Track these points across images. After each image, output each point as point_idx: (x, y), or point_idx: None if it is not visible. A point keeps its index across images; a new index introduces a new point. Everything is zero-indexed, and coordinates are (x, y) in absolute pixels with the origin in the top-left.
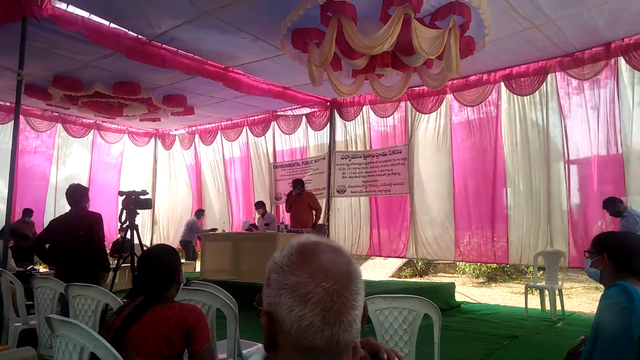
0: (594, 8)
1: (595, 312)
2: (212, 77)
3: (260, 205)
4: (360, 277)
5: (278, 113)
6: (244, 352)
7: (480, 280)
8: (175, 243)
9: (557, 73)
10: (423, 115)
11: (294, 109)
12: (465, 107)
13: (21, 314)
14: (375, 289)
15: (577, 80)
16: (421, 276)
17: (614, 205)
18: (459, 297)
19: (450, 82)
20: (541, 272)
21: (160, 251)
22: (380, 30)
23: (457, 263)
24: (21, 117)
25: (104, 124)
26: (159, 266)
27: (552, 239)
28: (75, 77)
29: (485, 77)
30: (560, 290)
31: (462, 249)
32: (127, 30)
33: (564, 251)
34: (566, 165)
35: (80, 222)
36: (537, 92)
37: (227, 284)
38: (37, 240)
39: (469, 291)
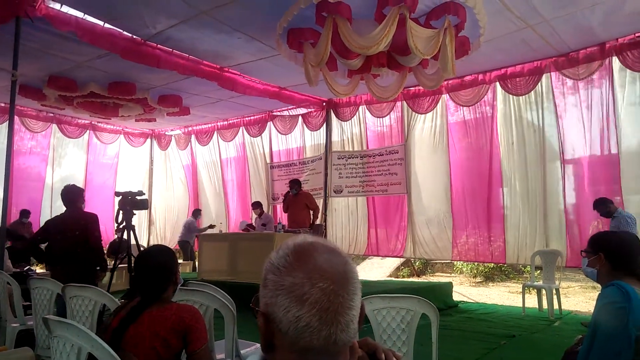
0: (588, 8)
1: (592, 311)
2: (207, 77)
3: (257, 205)
4: (357, 277)
5: (274, 113)
6: (242, 352)
7: (478, 279)
8: (172, 243)
9: (552, 73)
10: (419, 115)
11: (290, 109)
12: (461, 107)
13: (18, 315)
14: (373, 288)
15: (572, 80)
16: (419, 276)
17: (604, 206)
18: (456, 297)
19: (445, 82)
20: (538, 271)
21: (157, 252)
22: (376, 30)
23: (455, 263)
24: (16, 117)
25: (100, 124)
26: (155, 267)
27: (549, 239)
28: (70, 77)
29: (480, 77)
30: (557, 290)
31: (460, 249)
32: (121, 31)
33: (561, 250)
34: (562, 165)
35: (75, 222)
36: (532, 92)
37: (225, 284)
38: (32, 239)
39: (467, 291)
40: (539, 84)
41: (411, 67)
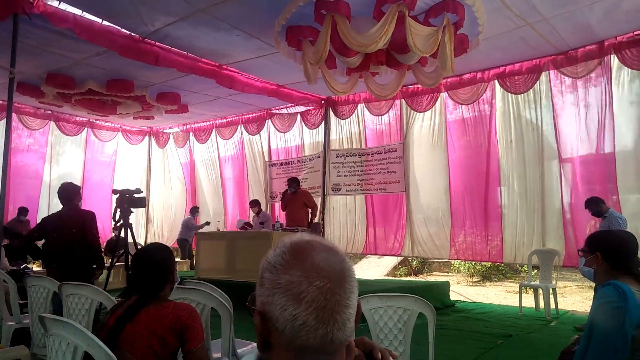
0: (587, 6)
1: (588, 311)
2: (205, 74)
3: (255, 203)
4: (354, 276)
5: (273, 111)
6: (238, 351)
7: (475, 279)
8: (169, 242)
9: (550, 71)
10: (418, 113)
11: (288, 107)
12: (459, 106)
13: (14, 313)
14: (370, 287)
15: (570, 78)
16: (416, 275)
17: (596, 205)
18: (453, 296)
19: (444, 81)
20: (535, 271)
21: (154, 250)
22: (374, 28)
23: (452, 262)
24: (13, 115)
25: (98, 122)
26: (152, 265)
27: (546, 238)
28: (68, 74)
29: (479, 75)
30: (554, 289)
31: (457, 248)
32: (119, 28)
33: (558, 250)
34: (560, 163)
35: (73, 220)
36: (531, 90)
37: (222, 283)
38: (27, 236)
39: (464, 290)
40: (538, 82)
41: (410, 65)
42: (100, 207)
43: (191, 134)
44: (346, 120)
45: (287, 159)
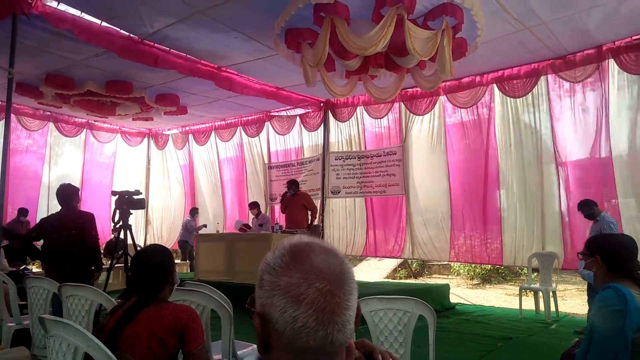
0: (585, 11)
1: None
2: (204, 76)
3: (254, 205)
4: (353, 278)
5: (272, 113)
6: (238, 352)
7: (475, 281)
8: (169, 243)
9: (549, 75)
10: (417, 116)
11: (287, 109)
12: (458, 109)
13: (14, 314)
14: (370, 290)
15: (569, 82)
16: (416, 277)
17: (589, 208)
18: (453, 299)
19: (443, 84)
20: (535, 273)
21: (154, 251)
22: (373, 31)
23: (452, 264)
24: (12, 116)
25: (97, 123)
26: (152, 266)
27: (546, 241)
28: (67, 75)
29: (478, 79)
30: (554, 292)
31: (457, 250)
32: (118, 29)
33: (558, 253)
34: (559, 167)
35: (72, 221)
36: (529, 94)
37: (222, 285)
38: (26, 236)
39: (464, 293)
40: (536, 86)
41: (409, 69)
42: (99, 208)
43: (190, 136)
44: (345, 123)
45: (286, 161)
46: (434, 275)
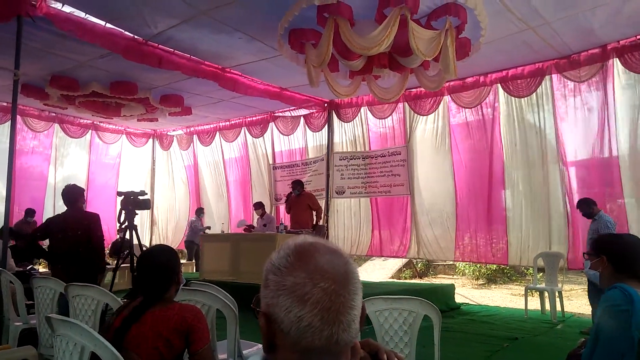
0: (589, 10)
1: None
2: (208, 77)
3: (259, 205)
4: (358, 278)
5: (276, 114)
6: (244, 352)
7: (480, 281)
8: (174, 243)
9: (553, 75)
10: (421, 116)
11: (291, 110)
12: (463, 109)
13: (21, 314)
14: (375, 290)
15: (573, 82)
16: (421, 277)
17: (587, 206)
18: (458, 299)
19: (447, 84)
20: (541, 273)
21: (159, 251)
22: (376, 31)
23: (457, 264)
24: (18, 117)
25: (102, 124)
26: (158, 266)
27: (552, 241)
28: (72, 76)
29: (482, 79)
30: (560, 292)
31: (462, 250)
32: (122, 31)
33: (564, 253)
34: (564, 167)
35: (77, 222)
36: (534, 94)
37: (227, 285)
38: (31, 235)
39: (469, 293)
40: (541, 86)
41: (413, 69)
42: (105, 209)
43: (195, 137)
44: (349, 123)
45: (291, 161)
46: (439, 276)
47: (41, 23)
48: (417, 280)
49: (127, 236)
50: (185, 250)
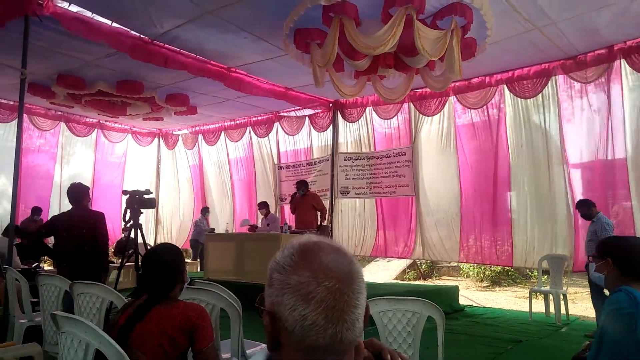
0: (595, 10)
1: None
2: (214, 77)
3: (263, 205)
4: (362, 277)
5: (281, 114)
6: (247, 352)
7: (485, 284)
8: (178, 243)
9: (560, 76)
10: (426, 117)
11: (296, 110)
12: (468, 110)
13: (26, 311)
14: (379, 291)
15: (580, 83)
16: (425, 279)
17: (587, 207)
18: (462, 301)
19: (452, 85)
20: (545, 276)
21: (164, 250)
22: (382, 30)
23: (461, 266)
24: (25, 115)
25: (108, 123)
26: (162, 265)
27: (557, 243)
28: (78, 75)
29: (487, 79)
30: (564, 295)
31: (467, 251)
32: (129, 30)
33: (569, 255)
34: (570, 168)
35: (83, 220)
36: (540, 94)
37: (231, 284)
38: (36, 232)
39: (473, 295)
40: (547, 87)
41: (418, 69)
42: (110, 207)
43: (200, 136)
44: (354, 123)
45: (296, 161)
46: (443, 277)
47: (48, 22)
48: (421, 282)
49: (132, 235)
50: (190, 250)
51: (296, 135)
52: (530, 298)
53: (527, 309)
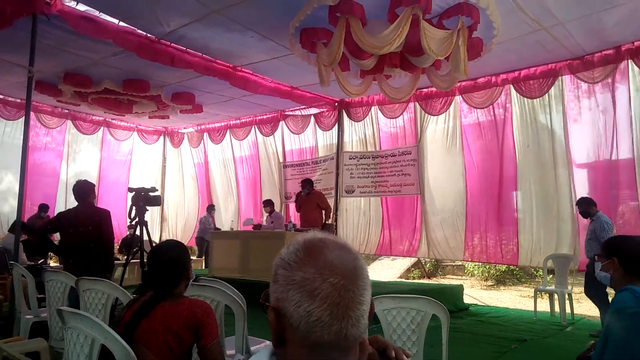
0: (602, 11)
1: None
2: (220, 76)
3: (268, 203)
4: (367, 273)
5: (286, 113)
6: (252, 348)
7: (489, 283)
8: (184, 240)
9: (566, 76)
10: (432, 116)
11: (302, 108)
12: (474, 109)
13: (32, 307)
14: (384, 289)
15: (586, 83)
16: (429, 278)
17: (586, 205)
18: (467, 300)
19: (458, 84)
20: (550, 275)
21: (169, 247)
22: (388, 30)
23: (466, 265)
24: (31, 113)
25: (114, 121)
26: (168, 262)
27: (562, 243)
28: (85, 74)
29: (493, 79)
30: (569, 295)
31: (472, 250)
32: (135, 29)
33: (574, 255)
34: (576, 168)
35: (88, 217)
36: (546, 94)
37: (235, 282)
38: (42, 227)
39: (478, 294)
40: (554, 87)
41: (424, 68)
42: (116, 205)
43: (205, 134)
44: (360, 122)
45: (301, 160)
46: (447, 276)
47: (55, 21)
48: (425, 281)
49: (138, 232)
50: (196, 247)
51: (301, 134)
52: (535, 297)
53: (532, 308)
